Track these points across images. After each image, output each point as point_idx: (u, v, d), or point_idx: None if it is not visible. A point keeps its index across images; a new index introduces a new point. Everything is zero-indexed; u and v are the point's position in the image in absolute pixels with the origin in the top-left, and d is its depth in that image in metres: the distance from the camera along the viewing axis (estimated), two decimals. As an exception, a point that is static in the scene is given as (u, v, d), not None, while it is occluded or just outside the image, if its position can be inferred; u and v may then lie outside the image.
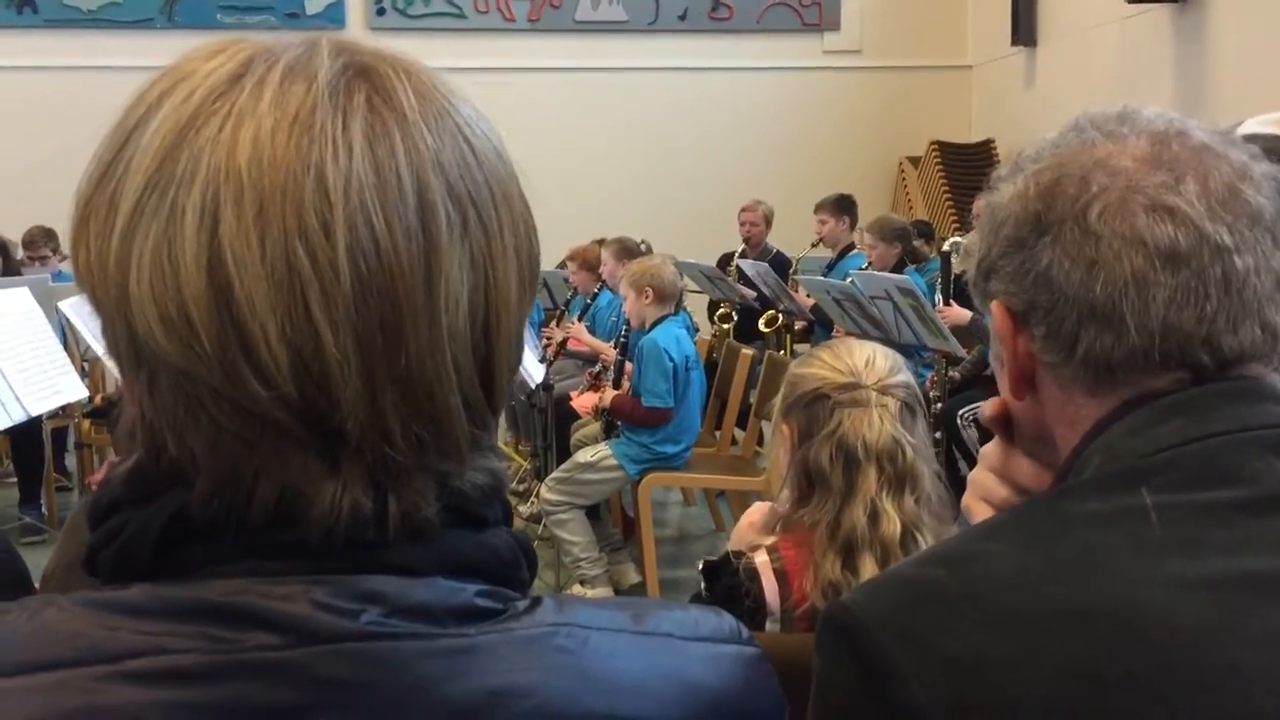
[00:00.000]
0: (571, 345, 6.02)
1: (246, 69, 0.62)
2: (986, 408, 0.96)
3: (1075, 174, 0.83)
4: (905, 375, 1.99)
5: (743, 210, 7.47)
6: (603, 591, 4.70)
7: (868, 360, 1.95)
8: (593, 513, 4.89)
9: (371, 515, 0.62)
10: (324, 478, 0.61)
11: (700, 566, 2.00)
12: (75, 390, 4.32)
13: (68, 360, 4.41)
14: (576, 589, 4.69)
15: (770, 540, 1.96)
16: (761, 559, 1.92)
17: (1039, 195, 0.84)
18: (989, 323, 0.90)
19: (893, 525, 1.87)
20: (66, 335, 5.25)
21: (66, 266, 7.03)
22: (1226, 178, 0.82)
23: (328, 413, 0.60)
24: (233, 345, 0.59)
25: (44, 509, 5.74)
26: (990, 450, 0.98)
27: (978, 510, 0.97)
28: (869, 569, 1.84)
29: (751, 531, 2.08)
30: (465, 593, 0.64)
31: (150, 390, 0.62)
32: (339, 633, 0.60)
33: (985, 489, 0.97)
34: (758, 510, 2.14)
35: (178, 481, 0.62)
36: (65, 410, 5.14)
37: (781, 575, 1.90)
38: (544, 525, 4.93)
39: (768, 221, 7.41)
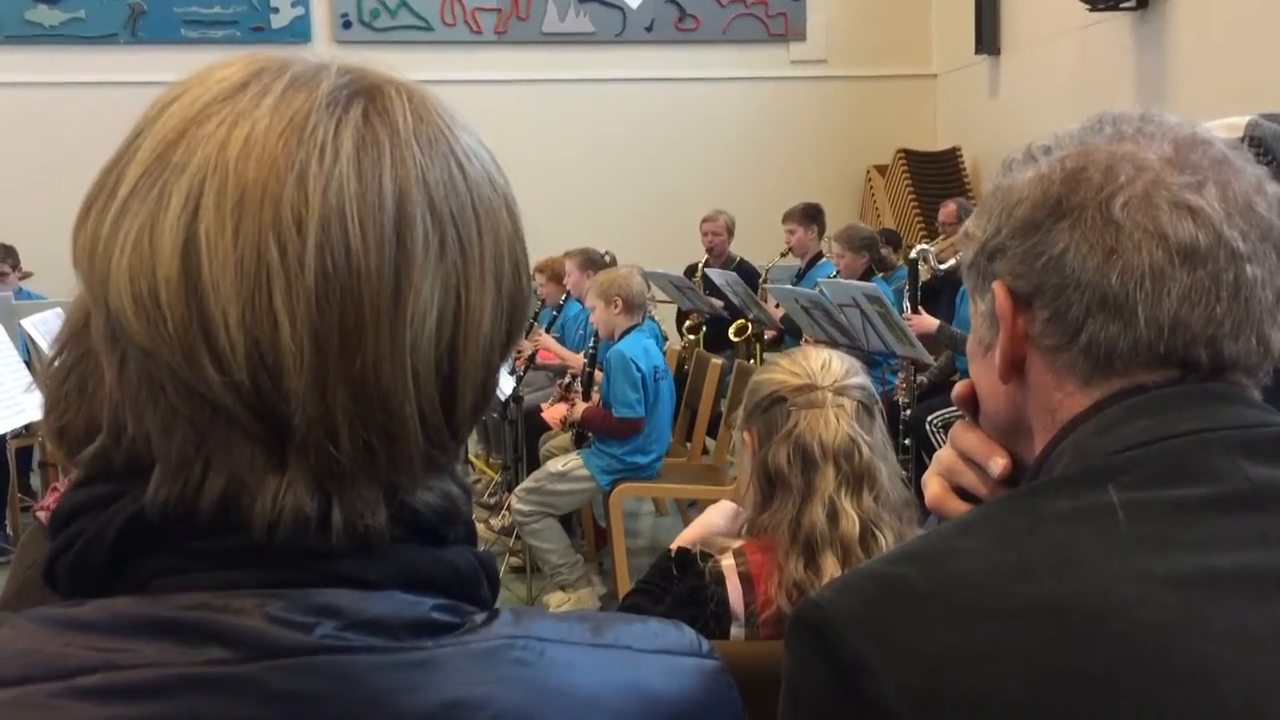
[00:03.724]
0: (541, 358, 6.02)
1: (254, 77, 0.65)
2: (956, 388, 0.97)
3: (1102, 162, 0.83)
4: (862, 378, 2.02)
5: (704, 221, 7.48)
6: (584, 594, 4.70)
7: (824, 364, 2.00)
8: (564, 524, 4.88)
9: (314, 518, 0.62)
10: (268, 473, 0.62)
11: (674, 552, 2.01)
12: (40, 409, 4.25)
13: (31, 378, 4.36)
14: (558, 595, 4.68)
15: (737, 544, 1.97)
16: (728, 562, 1.93)
17: (1063, 180, 0.84)
18: (973, 312, 0.90)
19: (851, 524, 1.89)
20: (30, 353, 5.20)
21: (28, 284, 6.95)
22: (1244, 189, 0.83)
23: (277, 404, 0.61)
24: (194, 328, 0.60)
25: (8, 529, 5.67)
26: (954, 431, 0.99)
27: (931, 483, 0.98)
28: (830, 568, 1.86)
29: (715, 527, 2.09)
30: (422, 606, 0.64)
31: (120, 370, 0.64)
32: (293, 646, 0.60)
33: (942, 464, 0.98)
34: (718, 510, 2.15)
35: (135, 472, 0.63)
36: (29, 429, 5.08)
37: (746, 579, 1.91)
38: (515, 539, 4.91)
39: (730, 231, 7.42)
